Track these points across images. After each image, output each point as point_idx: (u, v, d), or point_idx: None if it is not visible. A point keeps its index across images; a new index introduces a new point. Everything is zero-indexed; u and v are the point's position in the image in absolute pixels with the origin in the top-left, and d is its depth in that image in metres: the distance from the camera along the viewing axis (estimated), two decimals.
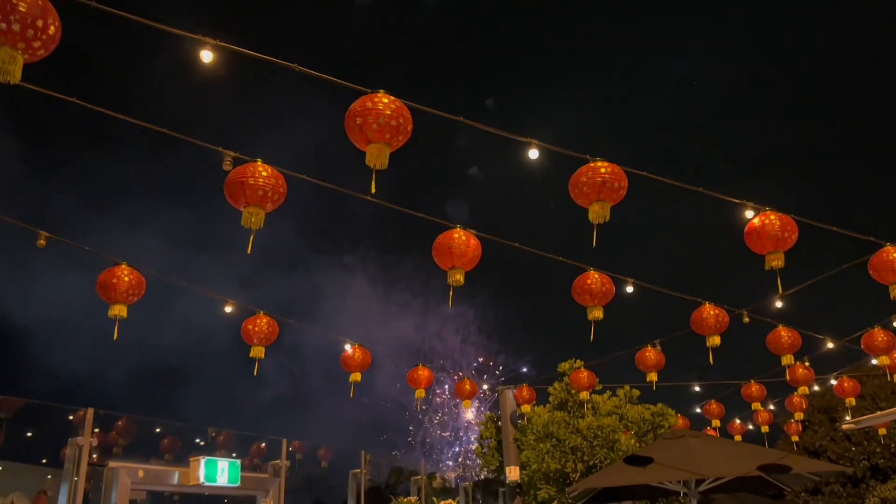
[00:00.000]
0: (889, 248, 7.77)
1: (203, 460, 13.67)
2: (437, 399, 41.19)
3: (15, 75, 4.22)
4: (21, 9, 4.24)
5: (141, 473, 12.98)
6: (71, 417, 13.43)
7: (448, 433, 41.25)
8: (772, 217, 7.04)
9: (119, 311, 8.02)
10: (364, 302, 45.64)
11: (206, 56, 5.54)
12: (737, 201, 7.27)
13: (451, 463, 40.20)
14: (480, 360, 42.55)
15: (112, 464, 12.70)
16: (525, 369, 41.71)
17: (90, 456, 12.10)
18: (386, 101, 5.44)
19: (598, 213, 6.44)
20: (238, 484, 14.31)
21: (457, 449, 40.92)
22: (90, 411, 12.10)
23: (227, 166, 6.15)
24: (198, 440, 18.42)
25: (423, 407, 40.37)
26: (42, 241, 7.90)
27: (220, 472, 13.91)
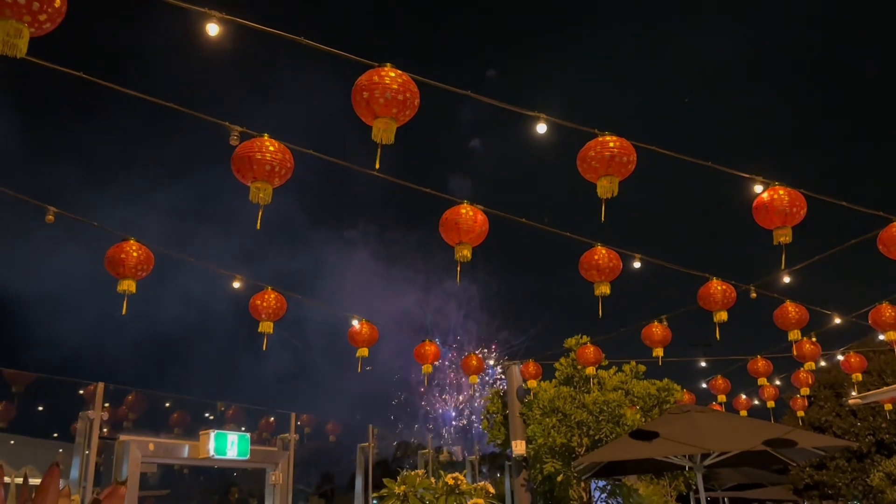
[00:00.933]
0: None
1: (213, 433, 13.80)
2: (439, 374, 41.33)
3: (21, 49, 4.19)
4: None
5: (151, 447, 13.12)
6: (81, 392, 13.57)
7: (450, 407, 41.48)
8: (780, 192, 6.99)
9: (128, 286, 8.04)
10: (366, 276, 45.60)
11: (213, 29, 5.51)
12: (746, 176, 7.22)
13: (450, 434, 40.44)
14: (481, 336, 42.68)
15: (123, 437, 12.83)
16: (527, 344, 41.87)
17: (101, 430, 12.22)
18: (393, 74, 5.38)
19: (606, 187, 6.39)
20: (247, 457, 14.47)
21: (453, 422, 41.13)
22: (100, 385, 12.20)
23: (233, 141, 6.14)
24: (207, 414, 18.61)
25: (429, 383, 40.57)
26: (51, 217, 7.91)
27: (230, 445, 14.05)
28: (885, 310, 10.78)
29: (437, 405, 41.78)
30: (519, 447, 15.40)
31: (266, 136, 6.14)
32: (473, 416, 40.53)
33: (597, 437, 14.50)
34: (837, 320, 12.26)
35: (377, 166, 5.75)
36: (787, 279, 10.39)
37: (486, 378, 39.13)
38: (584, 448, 14.47)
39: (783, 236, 6.96)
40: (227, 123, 6.17)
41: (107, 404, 12.76)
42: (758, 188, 7.12)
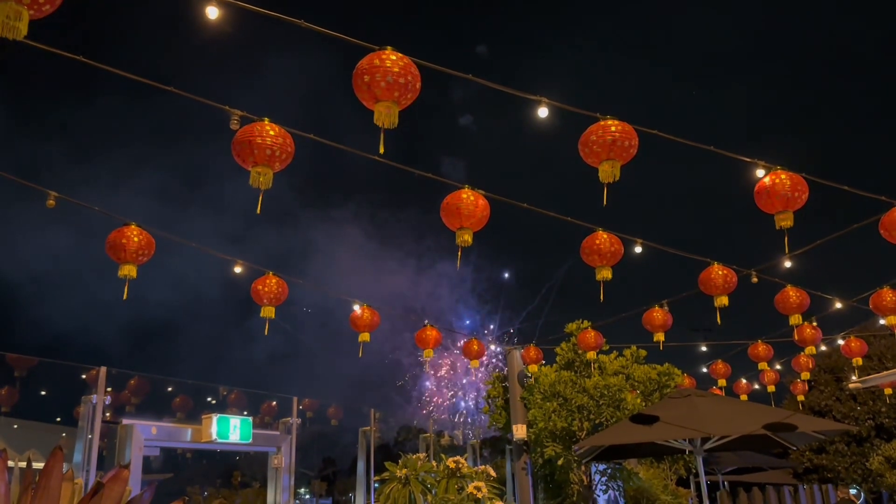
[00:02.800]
0: None
1: (215, 417, 13.88)
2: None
3: (21, 31, 4.18)
4: None
5: (154, 430, 13.20)
6: (84, 376, 13.63)
7: (445, 389, 41.50)
8: (782, 176, 6.97)
9: (129, 271, 8.03)
10: (356, 257, 45.08)
11: (213, 12, 5.47)
12: (747, 160, 7.19)
13: (438, 413, 40.48)
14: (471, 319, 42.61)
15: (126, 421, 12.90)
16: (519, 327, 41.83)
17: (104, 414, 12.28)
18: (394, 58, 5.35)
19: (608, 172, 6.37)
20: (250, 441, 14.55)
21: (446, 403, 41.15)
22: (103, 370, 12.25)
23: (234, 126, 6.11)
24: (209, 398, 18.72)
25: (427, 370, 40.58)
26: (51, 202, 7.90)
27: (233, 429, 14.13)
28: (886, 294, 10.78)
29: (431, 388, 41.70)
30: (520, 431, 15.47)
31: (266, 121, 6.12)
32: (461, 393, 40.53)
33: (597, 422, 14.55)
34: (838, 305, 12.26)
35: (381, 150, 5.73)
36: (788, 264, 10.37)
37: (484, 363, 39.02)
38: (584, 432, 14.53)
39: (784, 220, 6.95)
40: (227, 107, 6.14)
41: (109, 388, 12.81)
42: (759, 172, 7.10)
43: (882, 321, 11.62)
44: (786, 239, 7.38)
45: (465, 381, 39.75)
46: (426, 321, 13.25)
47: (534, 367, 15.51)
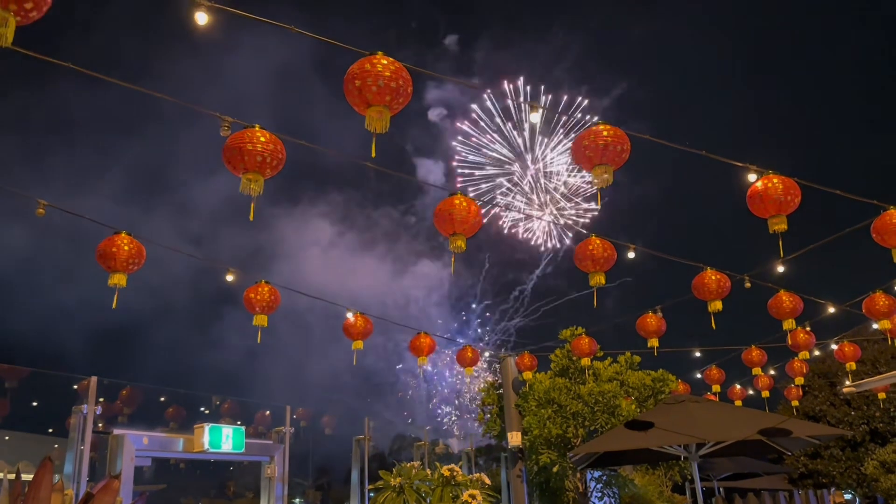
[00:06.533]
0: (892, 210, 7.73)
1: (207, 427, 13.79)
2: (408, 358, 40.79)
3: (7, 38, 4.14)
4: None
5: (146, 440, 13.10)
6: (75, 386, 13.53)
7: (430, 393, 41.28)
8: (774, 180, 6.97)
9: (118, 280, 7.96)
10: (327, 255, 44.23)
11: (202, 18, 5.44)
12: (739, 164, 7.20)
13: (417, 416, 40.27)
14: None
15: (117, 431, 12.81)
16: (493, 336, 41.69)
17: (95, 424, 12.19)
18: (385, 62, 5.34)
19: (601, 176, 6.38)
20: (243, 450, 14.46)
21: (430, 406, 40.93)
22: (93, 380, 12.18)
23: (224, 132, 6.08)
24: (202, 408, 18.60)
25: (421, 374, 40.42)
26: (41, 210, 7.84)
27: (225, 438, 14.04)
28: (879, 299, 10.80)
29: (409, 390, 41.35)
30: (515, 438, 15.41)
31: (257, 127, 6.09)
32: (435, 401, 40.38)
33: (592, 428, 14.52)
34: (831, 309, 12.28)
35: (373, 154, 5.71)
36: (781, 269, 10.38)
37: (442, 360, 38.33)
38: (579, 439, 14.49)
39: (778, 224, 6.94)
40: (217, 114, 6.11)
41: (101, 399, 12.71)
42: (752, 177, 7.10)
43: (875, 325, 11.65)
44: (780, 243, 7.38)
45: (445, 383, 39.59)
46: (421, 329, 13.19)
47: (528, 374, 15.48)
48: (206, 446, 13.63)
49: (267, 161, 6.01)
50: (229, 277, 10.15)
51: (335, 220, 45.42)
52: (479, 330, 42.57)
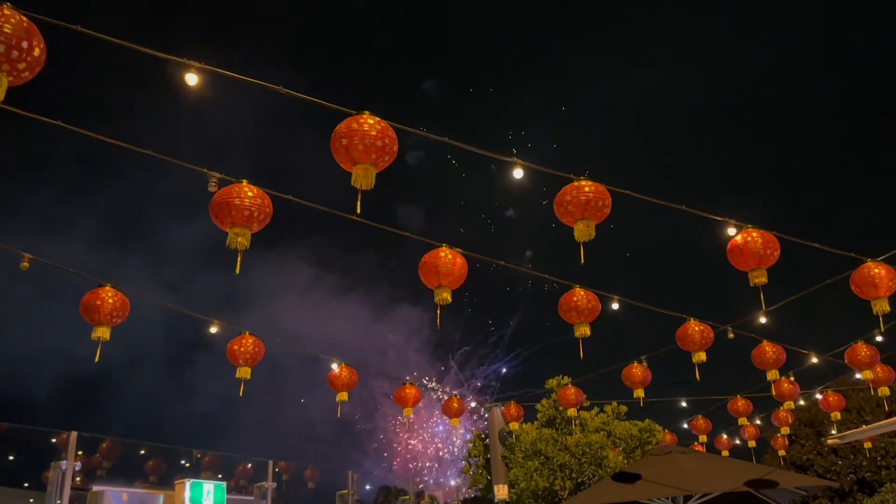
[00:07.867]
0: (870, 263, 7.87)
1: (188, 483, 13.53)
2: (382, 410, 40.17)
3: None
4: (6, 30, 4.25)
5: (125, 497, 12.83)
6: (54, 440, 13.28)
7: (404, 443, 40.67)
8: (754, 234, 7.10)
9: (102, 333, 7.92)
10: (303, 301, 43.81)
11: (192, 79, 5.55)
12: (719, 219, 7.33)
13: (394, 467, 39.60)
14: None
15: (96, 487, 12.54)
16: (479, 383, 41.43)
17: (73, 479, 11.94)
18: (371, 121, 5.48)
19: (583, 231, 6.49)
20: None
21: (401, 461, 40.27)
22: (73, 434, 11.97)
23: (212, 188, 6.15)
24: (183, 461, 18.24)
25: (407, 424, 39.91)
26: (25, 264, 7.81)
27: (206, 494, 13.76)
28: (861, 349, 10.90)
29: (381, 437, 40.71)
30: (501, 492, 15.22)
31: (245, 182, 6.17)
32: (419, 449, 39.84)
33: (579, 480, 14.39)
34: (814, 359, 12.36)
35: (359, 211, 5.78)
36: (763, 319, 10.48)
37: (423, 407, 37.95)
38: (566, 492, 14.34)
39: (759, 277, 7.05)
40: (205, 170, 6.18)
41: (80, 453, 12.48)
42: (731, 231, 7.23)
43: (858, 375, 11.73)
44: (761, 296, 7.49)
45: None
46: (406, 379, 13.13)
47: (515, 425, 15.37)
48: (187, 502, 13.36)
49: (254, 215, 6.08)
50: (213, 329, 10.08)
51: (313, 262, 45.19)
52: (459, 375, 42.22)
